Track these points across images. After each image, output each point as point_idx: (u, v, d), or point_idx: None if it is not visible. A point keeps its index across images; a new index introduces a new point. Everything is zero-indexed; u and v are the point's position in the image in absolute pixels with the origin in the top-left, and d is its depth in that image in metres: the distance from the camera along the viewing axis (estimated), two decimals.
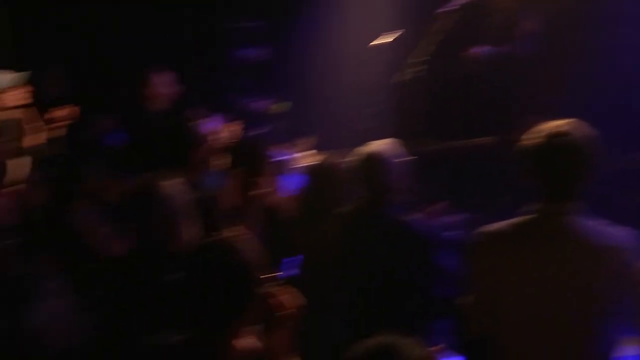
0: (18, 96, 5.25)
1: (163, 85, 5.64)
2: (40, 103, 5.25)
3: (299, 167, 5.77)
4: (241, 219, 3.97)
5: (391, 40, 6.50)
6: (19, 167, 4.34)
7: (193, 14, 7.63)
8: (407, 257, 3.40)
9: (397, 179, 3.53)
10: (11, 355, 2.98)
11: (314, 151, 6.27)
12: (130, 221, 3.26)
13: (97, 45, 7.34)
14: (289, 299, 2.48)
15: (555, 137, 2.39)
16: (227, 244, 2.40)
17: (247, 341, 2.42)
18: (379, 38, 6.58)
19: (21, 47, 6.93)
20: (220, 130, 5.24)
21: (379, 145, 3.53)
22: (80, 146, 5.28)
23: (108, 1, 7.27)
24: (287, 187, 4.51)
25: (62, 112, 5.18)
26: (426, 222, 3.67)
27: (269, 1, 7.47)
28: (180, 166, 3.69)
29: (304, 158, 6.06)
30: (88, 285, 3.87)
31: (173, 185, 3.22)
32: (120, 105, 5.82)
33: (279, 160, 5.35)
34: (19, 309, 2.98)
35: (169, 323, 2.43)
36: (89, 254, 4.01)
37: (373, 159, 3.51)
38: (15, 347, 2.98)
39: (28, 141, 5.00)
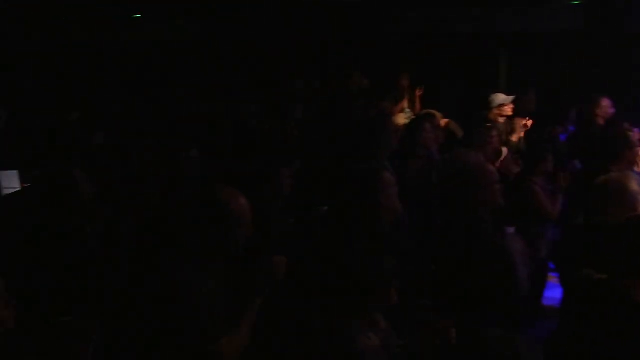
0: (509, 109, 6.90)
1: (609, 107, 6.84)
2: (519, 114, 6.97)
3: None
4: None
5: None
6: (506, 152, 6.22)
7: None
8: None
9: None
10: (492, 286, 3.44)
11: None
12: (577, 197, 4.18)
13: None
14: None
15: None
16: None
17: None
18: None
19: (509, 81, 8.92)
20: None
21: None
22: (540, 141, 6.72)
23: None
24: None
25: (530, 121, 6.90)
26: None
27: None
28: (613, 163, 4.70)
29: None
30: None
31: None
32: (579, 119, 7.17)
33: None
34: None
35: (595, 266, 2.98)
36: (540, 214, 5.48)
37: None
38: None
39: (512, 137, 6.78)
